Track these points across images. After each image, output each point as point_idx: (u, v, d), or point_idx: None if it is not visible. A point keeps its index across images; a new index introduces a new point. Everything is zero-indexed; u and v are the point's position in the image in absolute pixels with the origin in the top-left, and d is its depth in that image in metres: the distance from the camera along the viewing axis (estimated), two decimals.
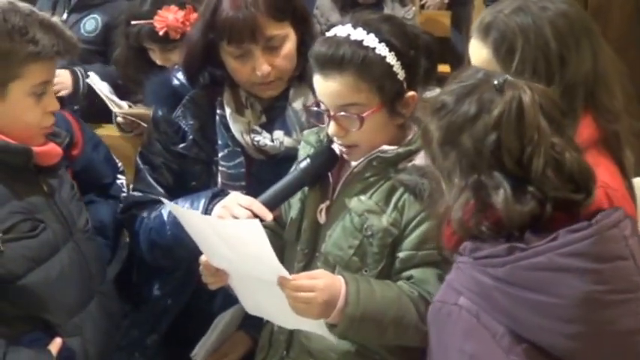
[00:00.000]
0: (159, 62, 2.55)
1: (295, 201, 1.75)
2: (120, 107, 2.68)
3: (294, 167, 1.76)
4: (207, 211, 1.76)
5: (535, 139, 1.27)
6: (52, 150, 1.75)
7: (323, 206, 1.71)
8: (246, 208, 1.67)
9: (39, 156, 1.71)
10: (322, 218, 1.71)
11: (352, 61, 1.59)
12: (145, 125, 2.44)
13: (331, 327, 1.57)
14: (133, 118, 2.62)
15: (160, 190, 1.95)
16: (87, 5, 3.11)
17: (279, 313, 1.60)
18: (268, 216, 1.68)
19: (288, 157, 1.87)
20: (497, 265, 1.27)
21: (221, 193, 1.80)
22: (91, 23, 3.07)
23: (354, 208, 1.65)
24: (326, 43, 1.62)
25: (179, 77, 1.97)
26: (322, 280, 1.55)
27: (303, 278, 1.54)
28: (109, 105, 2.68)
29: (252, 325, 1.90)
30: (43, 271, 1.69)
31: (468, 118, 1.30)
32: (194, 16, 2.43)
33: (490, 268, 1.28)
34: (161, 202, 1.85)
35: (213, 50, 1.85)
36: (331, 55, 1.60)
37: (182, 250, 1.78)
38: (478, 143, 1.29)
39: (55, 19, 1.74)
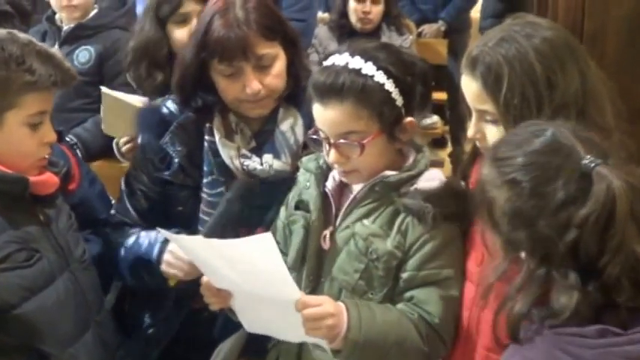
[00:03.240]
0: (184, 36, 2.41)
1: (298, 227, 1.77)
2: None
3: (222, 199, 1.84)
4: (160, 253, 1.88)
5: (616, 245, 1.16)
6: (49, 179, 1.75)
7: (327, 232, 1.73)
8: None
9: (35, 185, 1.71)
10: (326, 244, 1.72)
11: (352, 89, 1.61)
12: None
13: (335, 353, 1.59)
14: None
15: (134, 214, 2.00)
16: (78, 37, 3.09)
17: (284, 327, 1.62)
18: None
19: (279, 180, 1.90)
20: (585, 347, 1.16)
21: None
22: (85, 55, 3.05)
23: (358, 233, 1.67)
24: (325, 72, 1.65)
25: (168, 106, 2.00)
26: (325, 296, 1.60)
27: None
28: (127, 99, 2.54)
29: (255, 351, 1.89)
30: (39, 300, 1.69)
31: (551, 208, 1.19)
32: None
33: (574, 347, 1.17)
34: (133, 226, 1.98)
35: (205, 70, 1.88)
36: (330, 83, 1.62)
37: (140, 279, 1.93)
38: (556, 236, 1.19)
39: (54, 49, 1.76)
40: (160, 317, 2.04)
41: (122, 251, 1.98)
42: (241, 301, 1.69)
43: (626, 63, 3.16)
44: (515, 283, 1.25)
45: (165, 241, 1.88)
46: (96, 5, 3.17)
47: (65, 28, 3.10)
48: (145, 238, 1.94)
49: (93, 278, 1.88)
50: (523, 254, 1.25)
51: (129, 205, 2.01)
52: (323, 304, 1.56)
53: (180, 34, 2.47)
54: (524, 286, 1.23)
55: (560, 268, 1.19)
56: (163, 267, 1.88)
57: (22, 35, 1.72)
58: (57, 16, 3.15)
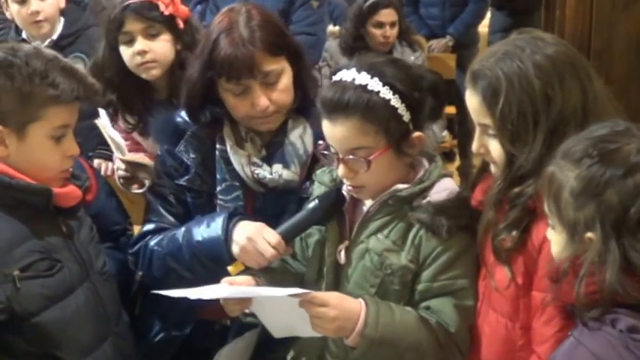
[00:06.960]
0: (138, 52, 2.43)
1: (313, 241, 1.79)
2: (122, 153, 2.58)
3: (305, 205, 1.81)
4: (227, 230, 1.80)
5: None
6: (72, 192, 1.79)
7: (342, 247, 1.75)
8: (273, 247, 1.74)
9: (59, 197, 1.74)
10: (342, 259, 1.75)
11: (357, 106, 1.63)
12: (142, 175, 2.48)
13: (352, 348, 1.61)
14: (134, 160, 2.54)
15: (171, 219, 2.01)
16: (61, 46, 2.92)
17: (303, 326, 1.64)
18: (289, 251, 1.79)
19: (288, 189, 1.93)
20: None
21: (236, 213, 1.86)
22: (76, 61, 2.79)
23: (373, 248, 1.69)
24: (332, 89, 1.67)
25: (182, 115, 2.04)
26: (335, 295, 1.62)
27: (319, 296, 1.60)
28: (112, 147, 2.57)
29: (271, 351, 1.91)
30: (59, 309, 1.71)
31: (619, 174, 1.26)
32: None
33: None
34: (171, 229, 1.95)
35: (212, 88, 1.92)
36: (337, 100, 1.64)
37: (200, 268, 1.86)
38: (626, 202, 1.24)
39: (79, 65, 1.80)
40: (171, 323, 2.05)
41: (155, 248, 1.96)
42: (262, 306, 1.72)
43: (632, 78, 3.19)
44: (591, 259, 1.28)
45: (230, 220, 1.83)
46: (61, 17, 3.05)
47: (36, 43, 2.91)
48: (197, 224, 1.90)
49: (112, 290, 1.90)
50: (589, 234, 1.28)
51: (163, 211, 2.02)
52: (328, 305, 1.58)
53: (126, 53, 2.47)
54: (602, 258, 1.27)
55: (630, 236, 1.24)
56: (237, 251, 1.79)
57: (47, 51, 1.77)
58: (24, 34, 3.05)
